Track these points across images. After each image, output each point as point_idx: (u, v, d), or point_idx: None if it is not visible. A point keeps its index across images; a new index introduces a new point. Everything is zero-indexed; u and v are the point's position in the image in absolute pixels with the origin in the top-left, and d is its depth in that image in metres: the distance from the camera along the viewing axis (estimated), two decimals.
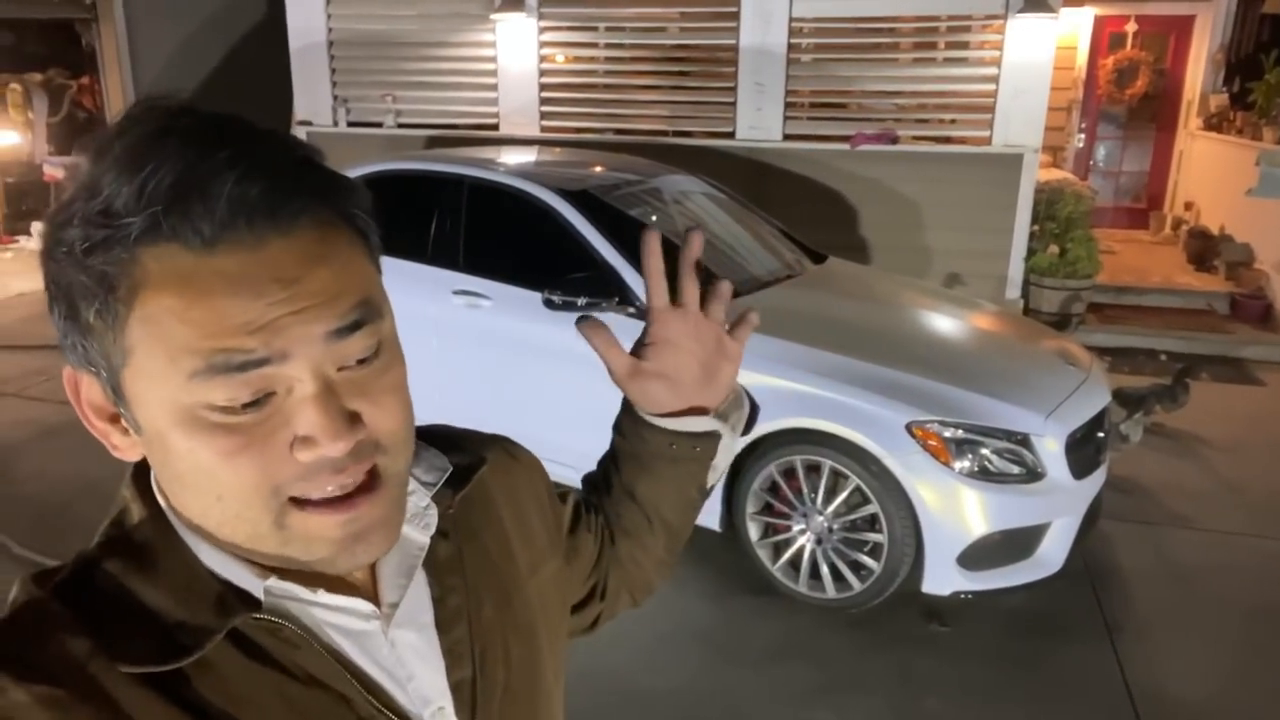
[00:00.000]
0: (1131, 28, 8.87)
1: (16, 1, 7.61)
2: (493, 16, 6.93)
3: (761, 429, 3.30)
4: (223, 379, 0.54)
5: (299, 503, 0.57)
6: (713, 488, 0.99)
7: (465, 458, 0.76)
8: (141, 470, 0.64)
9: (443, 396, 4.11)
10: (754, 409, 0.96)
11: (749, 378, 3.55)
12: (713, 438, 0.92)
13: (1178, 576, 3.64)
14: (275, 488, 0.57)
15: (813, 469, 3.28)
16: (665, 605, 3.37)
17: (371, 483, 0.59)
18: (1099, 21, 8.90)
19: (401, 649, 0.67)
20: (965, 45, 6.55)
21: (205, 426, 0.55)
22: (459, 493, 0.74)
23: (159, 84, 8.39)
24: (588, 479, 1.01)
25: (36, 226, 8.86)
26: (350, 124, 7.58)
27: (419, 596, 0.69)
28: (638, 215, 4.25)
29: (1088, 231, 6.78)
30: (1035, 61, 6.25)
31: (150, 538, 0.62)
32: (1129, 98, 9.05)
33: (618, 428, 0.94)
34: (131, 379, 0.56)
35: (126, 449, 0.61)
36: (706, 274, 0.87)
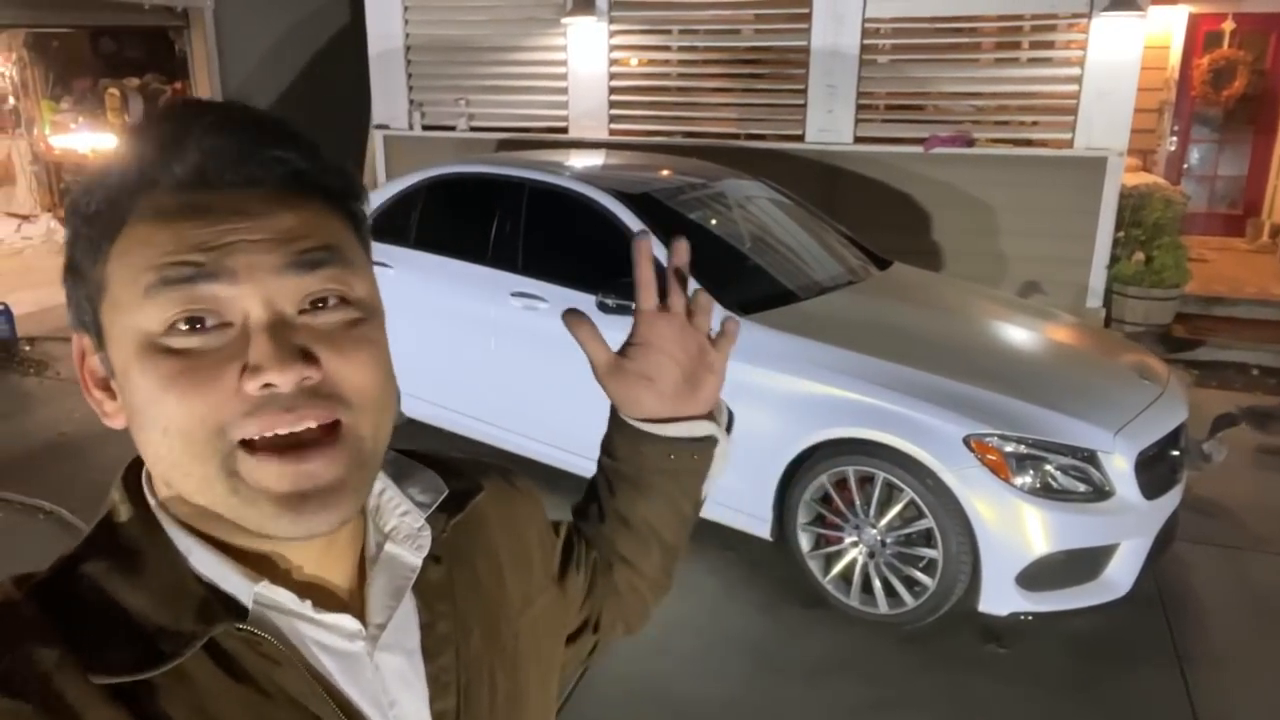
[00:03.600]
0: (1229, 26, 8.45)
1: (114, 10, 7.96)
2: (563, 20, 6.98)
3: (814, 438, 3.24)
4: (171, 291, 0.55)
5: (248, 446, 0.56)
6: (704, 501, 0.96)
7: (463, 483, 0.75)
8: (132, 471, 0.64)
9: (499, 397, 4.16)
10: (730, 419, 0.95)
11: (803, 385, 3.50)
12: (709, 444, 0.90)
13: (1258, 605, 3.44)
14: (221, 425, 0.55)
15: (866, 480, 3.20)
16: (714, 614, 3.34)
17: (328, 438, 0.57)
18: (1194, 20, 8.51)
19: (386, 673, 0.65)
20: (1047, 45, 6.34)
21: (156, 352, 0.56)
22: (454, 518, 0.72)
23: (246, 88, 8.73)
24: (578, 509, 0.98)
25: None
26: (425, 127, 7.73)
27: (406, 620, 0.68)
28: (697, 219, 4.22)
29: (1176, 239, 6.48)
30: (1121, 61, 6.00)
31: (136, 538, 0.61)
32: (1225, 99, 8.62)
33: (608, 450, 0.93)
34: (106, 314, 0.58)
35: (114, 414, 0.61)
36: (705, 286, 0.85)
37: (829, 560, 3.34)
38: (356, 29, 7.95)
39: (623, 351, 0.87)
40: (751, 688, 3.00)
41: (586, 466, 4.01)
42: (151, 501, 0.62)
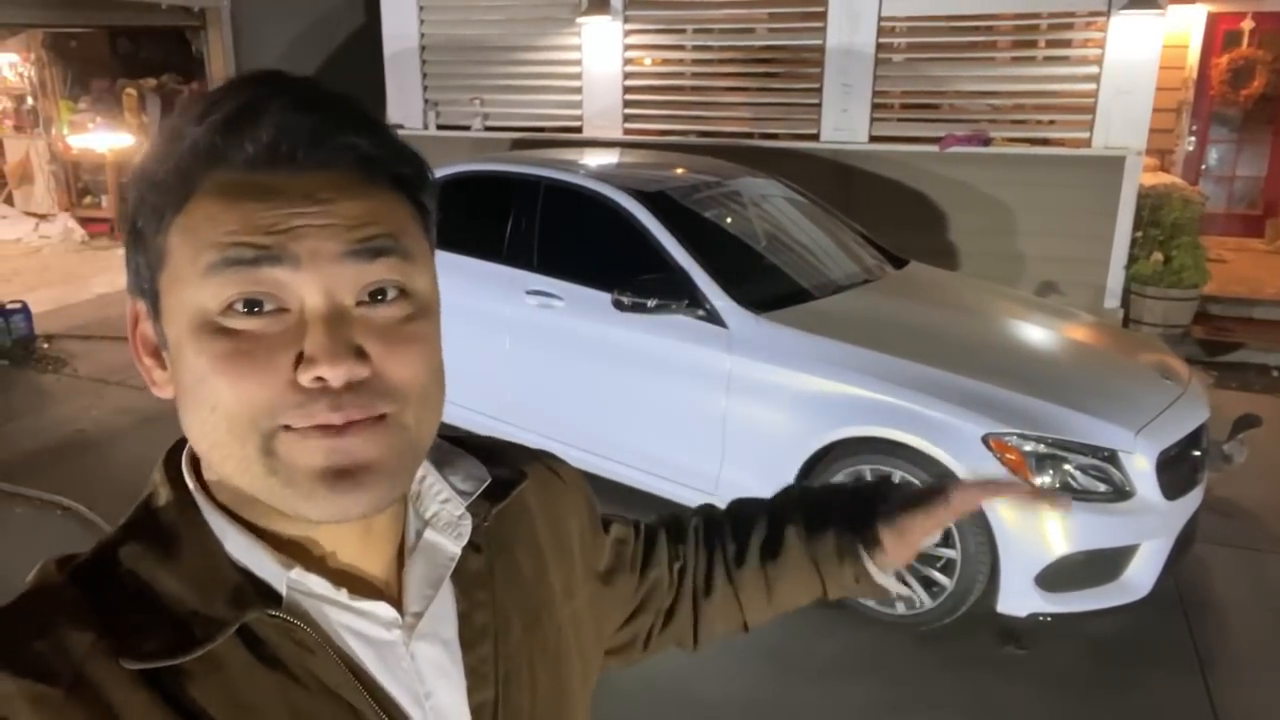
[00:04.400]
0: (1248, 25, 8.38)
1: (131, 10, 8.02)
2: (578, 20, 6.98)
3: (831, 436, 3.22)
4: (233, 273, 0.55)
5: (290, 429, 0.55)
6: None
7: (506, 471, 0.74)
8: (173, 455, 0.64)
9: (515, 395, 4.15)
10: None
11: (819, 383, 3.47)
12: (877, 593, 0.92)
13: (1279, 607, 3.41)
14: (270, 408, 0.55)
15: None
16: None
17: (371, 422, 0.56)
18: (1212, 19, 8.44)
19: (422, 663, 0.64)
20: (1065, 44, 6.30)
21: (212, 330, 0.55)
22: (496, 506, 0.71)
23: None
24: (711, 522, 0.96)
25: None
26: (440, 127, 7.74)
27: (444, 610, 0.67)
28: (713, 218, 4.21)
29: (1195, 239, 6.42)
30: (1139, 60, 5.95)
31: (174, 522, 0.61)
32: (1244, 99, 8.55)
33: (810, 527, 0.91)
34: (164, 285, 0.58)
35: (162, 384, 0.61)
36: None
37: None
38: (372, 29, 7.98)
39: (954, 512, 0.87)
40: (769, 687, 2.98)
41: (601, 465, 3.99)
42: (191, 484, 0.62)
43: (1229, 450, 4.20)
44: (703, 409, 3.51)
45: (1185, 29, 8.34)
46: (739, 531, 0.95)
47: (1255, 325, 6.73)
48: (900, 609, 3.20)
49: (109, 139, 9.57)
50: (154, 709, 0.54)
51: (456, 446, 0.73)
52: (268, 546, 0.60)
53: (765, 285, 3.77)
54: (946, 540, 3.07)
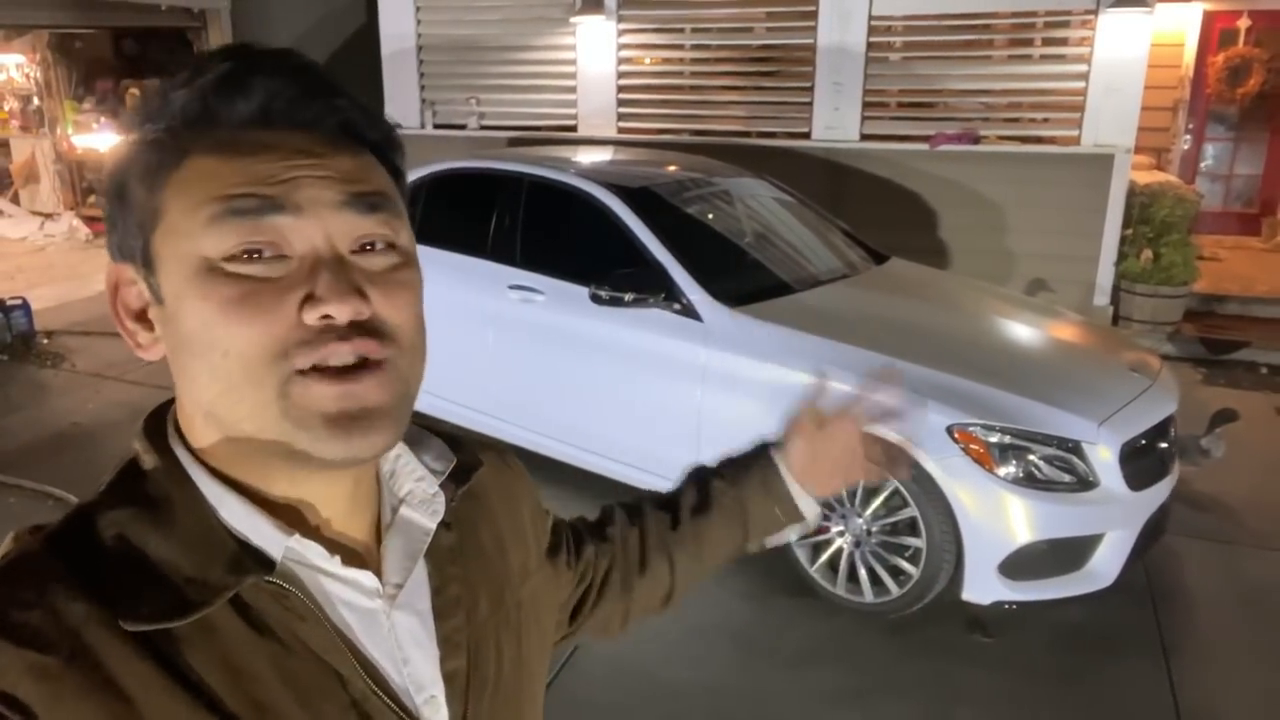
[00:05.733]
0: (1244, 24, 8.37)
1: (132, 11, 8.12)
2: (572, 19, 7.04)
3: None
4: (236, 222, 0.57)
5: (305, 374, 0.58)
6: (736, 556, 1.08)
7: (466, 455, 0.77)
8: (155, 422, 0.66)
9: (498, 388, 4.21)
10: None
11: (791, 376, 3.52)
12: (799, 519, 1.03)
13: (1248, 599, 3.43)
14: (281, 350, 0.57)
15: None
16: (702, 600, 3.37)
17: (375, 367, 0.60)
18: (1208, 17, 8.44)
19: (400, 631, 0.66)
20: (1053, 42, 6.32)
21: (218, 275, 0.57)
22: (461, 487, 0.75)
23: None
24: (632, 508, 1.04)
25: None
26: (437, 126, 7.81)
27: (419, 583, 0.70)
28: (694, 214, 4.26)
29: (1185, 236, 6.44)
30: (1128, 58, 5.98)
31: (164, 488, 0.61)
32: (1241, 97, 8.54)
33: (727, 477, 1.03)
34: (160, 240, 0.59)
35: (149, 346, 0.63)
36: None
37: (816, 549, 3.37)
38: (371, 30, 8.06)
39: (822, 422, 1.02)
40: (734, 673, 3.03)
41: (580, 456, 4.04)
42: (178, 450, 0.63)
43: (1207, 444, 4.23)
44: (679, 401, 3.57)
45: (1181, 27, 8.34)
46: (667, 504, 1.04)
47: (1245, 322, 6.74)
48: (868, 596, 3.25)
49: (113, 139, 9.67)
50: (151, 676, 0.55)
51: (424, 429, 0.76)
52: (265, 513, 0.61)
53: (743, 280, 3.82)
54: (913, 529, 3.12)
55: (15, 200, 10.29)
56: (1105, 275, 6.37)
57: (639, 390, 3.71)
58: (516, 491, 0.85)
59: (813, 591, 3.37)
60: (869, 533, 3.23)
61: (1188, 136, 8.85)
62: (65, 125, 9.90)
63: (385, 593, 0.66)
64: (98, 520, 0.59)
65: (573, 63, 7.29)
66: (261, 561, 0.60)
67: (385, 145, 0.66)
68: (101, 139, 9.74)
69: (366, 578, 0.65)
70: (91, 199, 10.01)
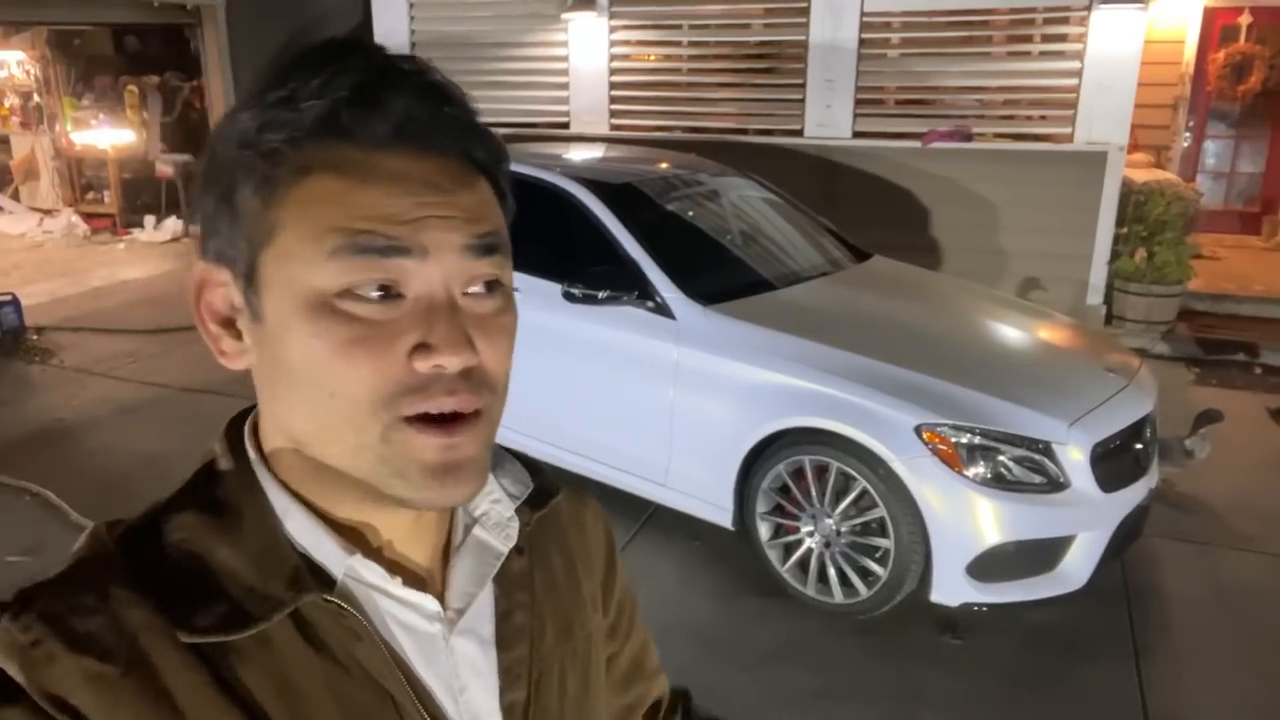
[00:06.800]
0: (1246, 20, 8.28)
1: (127, 7, 8.14)
2: (564, 16, 7.02)
3: (771, 427, 3.24)
4: (361, 260, 0.55)
5: (409, 421, 0.56)
6: None
7: (543, 481, 0.75)
8: (235, 426, 0.64)
9: None
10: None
11: (759, 374, 3.50)
12: None
13: (1224, 602, 3.39)
14: (390, 395, 0.56)
15: (821, 470, 3.20)
16: (671, 601, 3.36)
17: (474, 418, 0.58)
18: (1209, 14, 8.34)
19: (459, 659, 0.65)
20: (1046, 38, 6.27)
21: (331, 313, 0.55)
22: (538, 513, 0.73)
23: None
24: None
25: (150, 220, 9.49)
26: None
27: (483, 609, 0.68)
28: (673, 211, 4.24)
29: (1180, 235, 6.38)
30: (1121, 55, 5.93)
31: (234, 494, 0.61)
32: (1242, 95, 8.45)
33: None
34: (270, 259, 0.57)
35: (234, 355, 0.60)
36: None
37: (787, 549, 3.34)
38: (364, 28, 8.06)
39: None
40: (701, 671, 3.00)
41: (554, 454, 4.04)
42: (252, 456, 0.62)
43: (1191, 445, 4.19)
44: (651, 400, 3.54)
45: (1181, 24, 8.26)
46: None
47: (1240, 321, 6.67)
48: (838, 597, 3.22)
49: (111, 135, 9.72)
50: (205, 689, 0.54)
51: (503, 451, 0.74)
52: (330, 530, 0.60)
53: (720, 278, 3.79)
54: (882, 529, 3.09)
55: (15, 196, 10.33)
56: (1098, 274, 6.32)
57: (613, 388, 3.69)
58: (590, 526, 0.82)
59: (783, 591, 3.35)
60: (839, 533, 3.20)
61: (1188, 134, 8.77)
62: (64, 122, 9.92)
63: (446, 617, 0.64)
64: (169, 521, 0.59)
65: (565, 60, 7.28)
66: (322, 579, 0.59)
67: (498, 171, 0.64)
68: (100, 135, 9.77)
69: (428, 601, 0.63)
70: (90, 195, 10.03)
